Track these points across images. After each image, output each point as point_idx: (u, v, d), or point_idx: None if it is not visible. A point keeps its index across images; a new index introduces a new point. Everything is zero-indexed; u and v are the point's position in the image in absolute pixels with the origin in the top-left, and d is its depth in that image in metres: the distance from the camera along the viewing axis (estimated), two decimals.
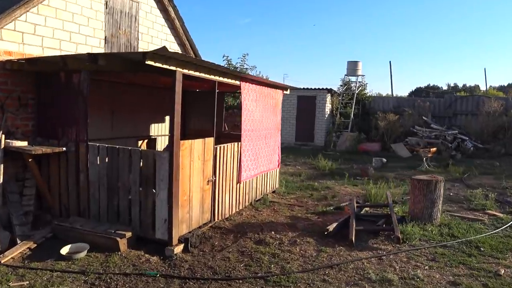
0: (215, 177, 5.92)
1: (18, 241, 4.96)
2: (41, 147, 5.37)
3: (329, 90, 18.21)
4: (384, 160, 12.90)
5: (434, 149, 12.72)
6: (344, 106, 18.66)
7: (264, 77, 15.93)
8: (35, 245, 4.98)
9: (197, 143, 5.39)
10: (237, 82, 6.41)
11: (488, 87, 22.62)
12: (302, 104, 18.34)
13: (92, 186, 5.38)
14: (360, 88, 19.24)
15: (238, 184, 6.76)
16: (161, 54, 4.30)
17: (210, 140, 5.75)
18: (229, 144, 6.33)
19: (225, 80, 6.01)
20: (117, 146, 5.22)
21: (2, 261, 4.51)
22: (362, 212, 7.18)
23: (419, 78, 79.86)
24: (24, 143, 5.43)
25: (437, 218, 6.62)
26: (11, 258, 4.63)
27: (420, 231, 6.10)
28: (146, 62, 4.16)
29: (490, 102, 16.00)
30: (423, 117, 16.79)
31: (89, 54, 4.37)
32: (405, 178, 10.74)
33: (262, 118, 7.50)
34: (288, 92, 9.14)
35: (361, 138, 16.74)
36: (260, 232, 5.91)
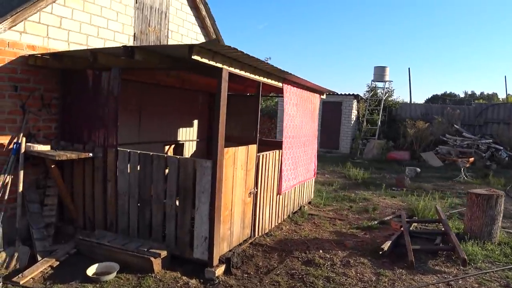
0: (257, 188, 5.28)
1: (39, 258, 4.39)
2: (66, 152, 4.80)
3: (356, 96, 17.51)
4: (418, 169, 12.13)
5: (472, 159, 11.92)
6: (371, 112, 17.91)
7: None
8: (58, 262, 4.40)
9: (241, 151, 4.77)
10: (280, 84, 5.79)
11: (506, 95, 21.56)
12: (327, 110, 17.64)
13: (121, 197, 4.79)
14: (387, 94, 18.48)
15: (278, 196, 6.11)
16: (209, 48, 3.70)
17: (253, 148, 5.13)
18: (270, 152, 5.71)
19: (269, 81, 5.40)
20: (151, 153, 4.62)
21: (21, 282, 3.94)
22: (411, 228, 6.47)
23: (434, 85, 78.40)
24: (46, 147, 4.88)
25: (496, 236, 5.93)
26: (31, 278, 4.06)
27: (481, 251, 5.47)
28: (192, 57, 3.56)
29: None
30: (454, 125, 15.97)
31: (125, 47, 3.79)
32: (445, 189, 9.99)
33: (301, 124, 6.86)
34: (324, 96, 8.51)
35: (389, 146, 15.96)
36: (307, 250, 5.25)
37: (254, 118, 9.26)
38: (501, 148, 14.43)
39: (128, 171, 4.72)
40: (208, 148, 9.09)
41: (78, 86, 5.11)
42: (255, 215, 5.34)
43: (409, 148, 16.06)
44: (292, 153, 6.47)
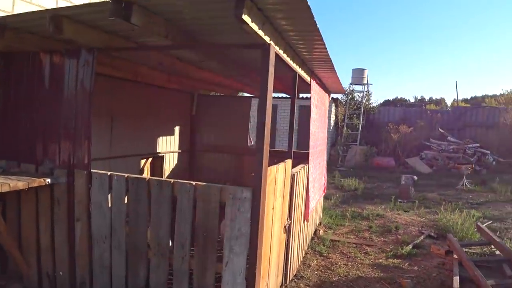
0: (290, 219, 3.83)
1: None
2: (7, 177, 3.09)
3: (335, 100, 16.48)
4: (415, 177, 11.14)
5: (472, 165, 11.16)
6: (350, 117, 16.97)
7: None
8: None
9: (281, 170, 3.30)
10: (307, 78, 4.40)
11: (457, 100, 21.54)
12: (304, 114, 16.45)
13: (98, 244, 3.15)
14: (366, 98, 17.66)
15: (304, 223, 4.69)
16: (261, 6, 2.23)
17: (289, 165, 3.67)
18: (301, 168, 4.27)
19: (301, 72, 3.98)
20: (146, 177, 3.03)
21: None
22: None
23: (386, 90, 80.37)
24: None
25: None
26: None
27: None
28: (242, 17, 2.06)
29: (509, 114, 14.79)
30: (440, 129, 15.36)
31: (115, 1, 2.22)
32: (453, 199, 9.04)
33: (318, 129, 5.51)
34: (330, 97, 7.23)
35: (372, 152, 15.03)
36: None
37: (246, 123, 7.80)
38: (488, 152, 13.93)
39: (109, 204, 3.09)
40: (191, 161, 7.50)
41: (26, 77, 3.41)
42: (287, 254, 3.87)
43: (392, 153, 15.25)
44: (314, 167, 5.09)
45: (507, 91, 20.98)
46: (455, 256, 5.03)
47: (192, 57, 4.06)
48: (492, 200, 8.98)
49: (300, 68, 3.82)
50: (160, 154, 6.55)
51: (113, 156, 5.31)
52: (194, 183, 2.83)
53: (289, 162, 3.67)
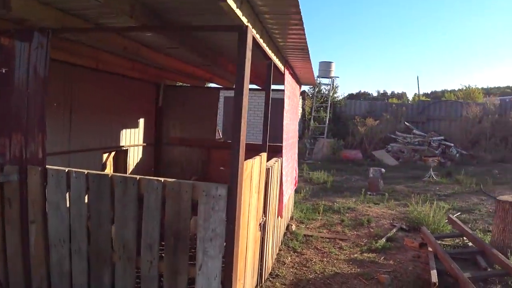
0: (265, 216, 3.63)
1: None
2: None
3: (302, 93, 16.41)
4: (383, 170, 11.24)
5: (439, 157, 11.42)
6: (317, 110, 17.00)
7: None
8: None
9: (256, 165, 3.09)
10: (281, 67, 4.21)
11: (418, 94, 22.19)
12: (273, 107, 16.28)
13: (56, 248, 2.83)
14: (333, 90, 17.73)
15: (278, 219, 4.52)
16: None
17: (264, 158, 3.47)
18: (275, 162, 4.09)
19: (276, 61, 3.78)
20: (109, 174, 2.73)
21: None
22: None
23: (350, 84, 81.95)
24: None
25: None
26: None
27: None
28: None
29: (470, 108, 15.28)
30: (405, 123, 15.67)
31: None
32: (421, 191, 9.19)
33: (290, 121, 5.35)
34: (301, 89, 7.10)
35: (339, 145, 15.12)
36: None
37: (214, 115, 7.53)
38: (452, 145, 14.35)
39: (67, 204, 2.78)
40: (157, 155, 7.16)
41: None
42: (262, 253, 3.69)
43: (359, 146, 15.42)
44: (287, 160, 4.92)
45: (465, 86, 21.75)
46: (429, 249, 5.04)
47: (160, 42, 3.76)
48: (458, 191, 9.21)
49: (275, 56, 3.61)
50: (124, 148, 6.18)
51: (73, 150, 4.93)
52: (162, 179, 2.57)
53: (264, 155, 3.47)
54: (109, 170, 6.02)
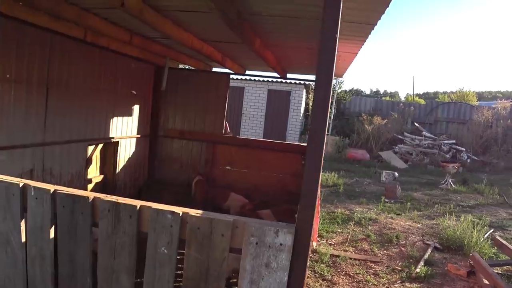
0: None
1: None
2: None
3: (306, 86, 15.43)
4: (396, 174, 10.43)
5: (459, 164, 10.56)
6: None
7: None
8: None
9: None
10: None
11: (406, 94, 21.52)
12: (273, 100, 15.32)
13: None
14: (338, 85, 16.77)
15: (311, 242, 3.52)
16: None
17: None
18: None
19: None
20: (90, 196, 1.69)
21: None
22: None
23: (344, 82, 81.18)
24: None
25: None
26: None
27: None
28: None
29: (482, 111, 14.46)
30: (415, 123, 14.78)
31: None
32: (441, 201, 8.31)
33: None
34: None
35: (345, 144, 14.19)
36: None
37: (222, 105, 6.40)
38: (463, 149, 13.51)
39: (23, 238, 1.73)
40: (152, 149, 6.12)
41: None
42: None
43: (365, 145, 14.51)
44: None
45: (459, 88, 21.15)
46: (485, 281, 4.12)
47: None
48: (482, 203, 8.33)
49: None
50: (114, 140, 5.11)
51: (48, 142, 3.85)
52: (181, 211, 1.54)
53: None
54: (94, 167, 4.96)
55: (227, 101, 6.05)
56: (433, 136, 14.30)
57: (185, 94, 5.99)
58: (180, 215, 1.52)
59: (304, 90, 15.67)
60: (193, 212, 1.53)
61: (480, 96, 30.04)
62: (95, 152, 4.94)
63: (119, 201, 1.58)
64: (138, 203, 1.58)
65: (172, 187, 6.08)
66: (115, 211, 1.58)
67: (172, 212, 1.52)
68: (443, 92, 35.09)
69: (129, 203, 1.56)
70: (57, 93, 3.88)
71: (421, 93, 39.46)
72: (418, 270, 4.50)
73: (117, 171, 5.28)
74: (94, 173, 5.02)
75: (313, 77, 15.84)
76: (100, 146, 5.04)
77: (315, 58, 2.98)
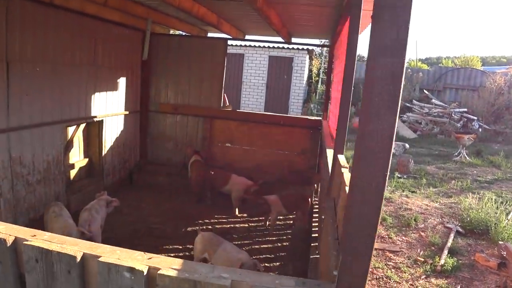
0: None
1: None
2: None
3: (310, 52, 14.57)
4: (407, 145, 9.84)
5: (475, 135, 9.93)
6: (325, 71, 15.22)
7: None
8: None
9: None
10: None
11: (408, 59, 20.41)
12: (275, 67, 14.52)
13: None
14: None
15: None
16: None
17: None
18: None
19: None
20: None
21: None
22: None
23: None
24: None
25: None
26: None
27: None
28: None
29: (495, 77, 13.67)
30: (424, 91, 14.06)
31: None
32: (456, 175, 7.76)
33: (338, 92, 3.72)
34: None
35: (351, 112, 13.51)
36: None
37: (219, 75, 5.69)
38: (475, 118, 12.85)
39: None
40: (143, 126, 5.53)
41: None
42: None
43: None
44: None
45: (463, 53, 20.18)
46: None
47: None
48: (500, 177, 7.78)
49: None
50: (98, 119, 4.51)
51: (15, 126, 3.25)
52: (146, 266, 0.97)
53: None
54: (77, 150, 4.38)
55: (225, 70, 5.39)
56: (443, 104, 13.61)
57: (178, 63, 5.33)
58: (145, 273, 0.95)
59: (307, 56, 14.84)
60: (166, 267, 0.96)
61: (484, 61, 28.95)
62: (76, 134, 4.34)
63: (50, 247, 1.00)
64: (80, 249, 1.00)
65: (166, 168, 5.54)
66: (45, 263, 1.01)
67: (131, 269, 0.94)
68: (446, 57, 33.97)
69: (64, 252, 0.99)
70: (21, 70, 3.24)
71: (423, 58, 38.37)
72: (442, 261, 4.01)
73: (103, 153, 4.70)
74: (77, 157, 4.45)
75: (317, 42, 14.90)
76: (82, 126, 4.44)
77: (323, 18, 2.34)
